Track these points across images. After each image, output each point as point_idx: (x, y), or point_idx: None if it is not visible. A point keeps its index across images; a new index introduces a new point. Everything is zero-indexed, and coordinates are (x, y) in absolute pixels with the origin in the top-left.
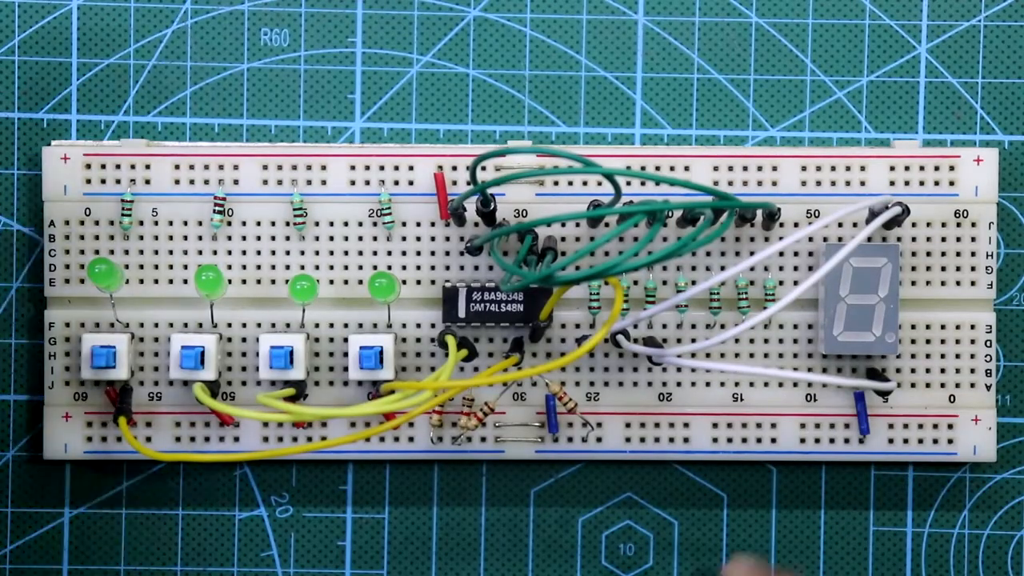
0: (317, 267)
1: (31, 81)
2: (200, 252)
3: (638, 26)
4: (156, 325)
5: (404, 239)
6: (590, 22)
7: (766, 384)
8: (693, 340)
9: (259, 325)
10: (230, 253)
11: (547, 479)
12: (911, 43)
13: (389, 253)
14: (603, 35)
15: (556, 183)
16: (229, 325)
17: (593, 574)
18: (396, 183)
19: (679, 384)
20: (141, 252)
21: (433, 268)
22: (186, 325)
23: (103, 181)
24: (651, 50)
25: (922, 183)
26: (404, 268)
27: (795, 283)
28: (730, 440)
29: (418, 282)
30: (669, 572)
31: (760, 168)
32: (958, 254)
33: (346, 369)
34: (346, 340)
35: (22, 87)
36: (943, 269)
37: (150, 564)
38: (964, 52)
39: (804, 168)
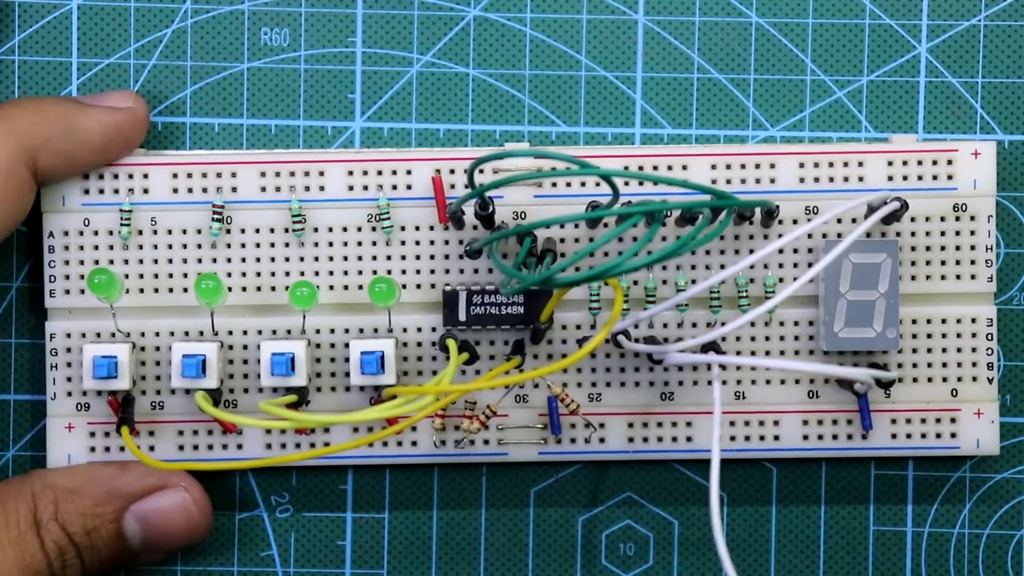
0: (317, 273)
1: (31, 81)
2: (200, 260)
3: (638, 26)
4: (157, 334)
5: (403, 244)
6: (590, 22)
7: (768, 382)
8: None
9: (260, 332)
10: (229, 261)
11: (547, 479)
12: (911, 43)
13: (388, 258)
14: (603, 35)
15: (554, 185)
16: (230, 333)
17: (593, 574)
18: (394, 188)
19: (681, 383)
20: (141, 261)
21: (433, 272)
22: (187, 334)
23: (101, 191)
24: (651, 50)
25: (920, 178)
26: (404, 272)
27: (795, 280)
28: (732, 438)
29: (418, 286)
30: (669, 572)
31: (758, 166)
32: (957, 248)
33: (347, 375)
34: (347, 346)
35: (22, 87)
36: (943, 263)
37: (150, 564)
38: (964, 52)
39: (802, 165)
